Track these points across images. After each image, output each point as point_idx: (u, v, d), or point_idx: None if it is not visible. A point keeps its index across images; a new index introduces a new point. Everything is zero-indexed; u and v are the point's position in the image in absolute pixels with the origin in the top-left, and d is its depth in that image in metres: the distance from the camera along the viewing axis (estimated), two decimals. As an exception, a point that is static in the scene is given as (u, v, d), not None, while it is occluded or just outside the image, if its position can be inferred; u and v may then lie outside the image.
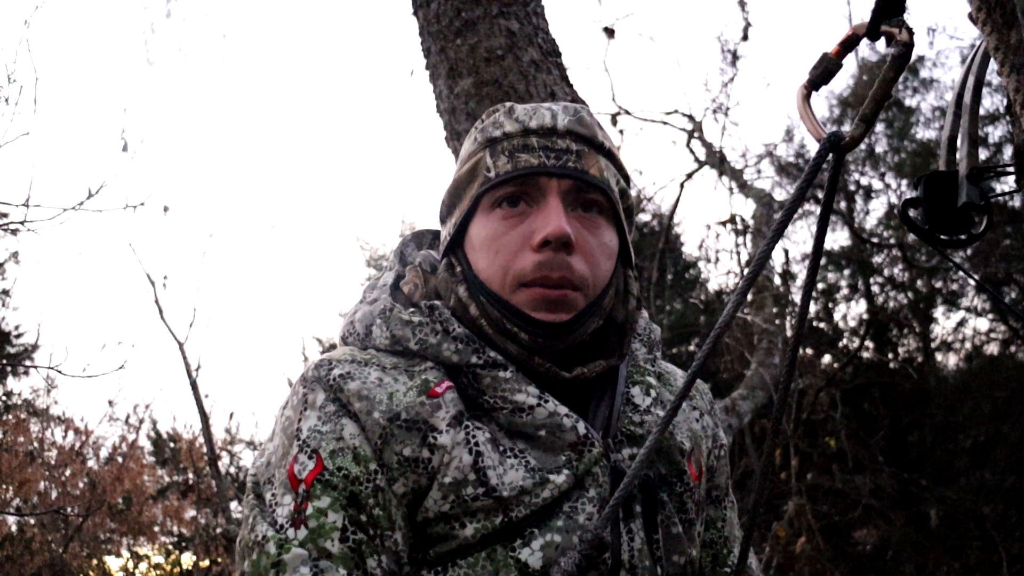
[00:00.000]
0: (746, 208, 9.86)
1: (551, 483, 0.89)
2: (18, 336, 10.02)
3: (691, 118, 8.52)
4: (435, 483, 0.88)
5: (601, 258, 0.96)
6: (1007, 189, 0.99)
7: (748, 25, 8.30)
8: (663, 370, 1.10)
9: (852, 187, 8.95)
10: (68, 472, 8.35)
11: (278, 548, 0.83)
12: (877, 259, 9.10)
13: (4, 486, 7.27)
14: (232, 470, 9.62)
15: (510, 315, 0.93)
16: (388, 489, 0.88)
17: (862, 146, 8.44)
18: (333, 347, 1.07)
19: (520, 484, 0.88)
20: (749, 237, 7.56)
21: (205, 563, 8.15)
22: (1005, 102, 0.90)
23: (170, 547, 9.45)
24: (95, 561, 8.48)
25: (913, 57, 0.78)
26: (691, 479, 1.01)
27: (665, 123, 8.56)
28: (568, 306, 0.93)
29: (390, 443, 0.88)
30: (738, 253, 7.88)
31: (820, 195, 0.98)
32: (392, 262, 1.09)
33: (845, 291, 9.40)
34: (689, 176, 7.95)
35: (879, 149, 8.96)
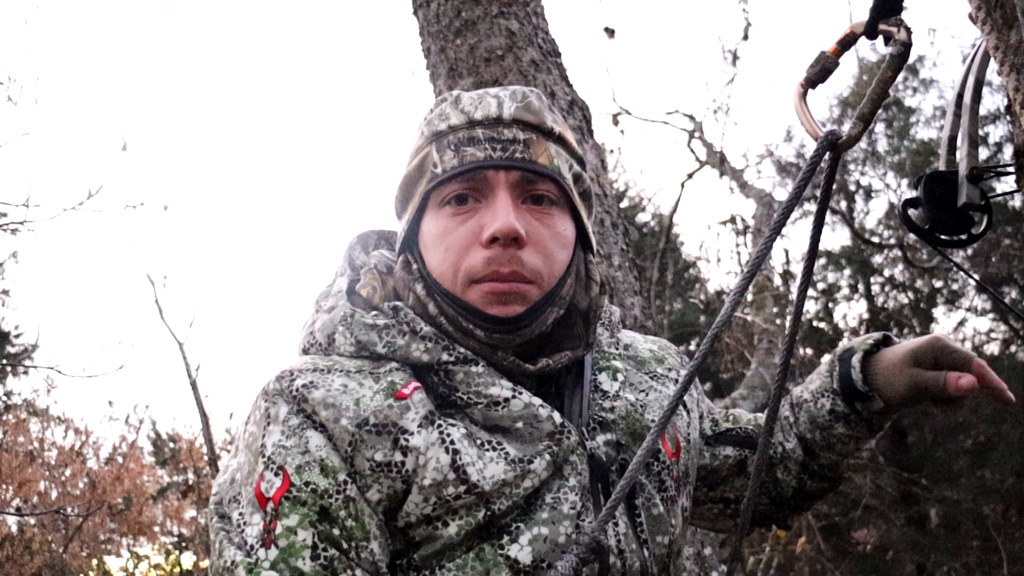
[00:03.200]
0: (746, 208, 9.86)
1: (532, 472, 0.88)
2: (18, 336, 10.02)
3: (691, 118, 8.53)
4: (413, 486, 0.86)
5: (555, 248, 0.95)
6: (1007, 189, 0.98)
7: (748, 25, 8.31)
8: (626, 342, 1.10)
9: (852, 187, 8.95)
10: (68, 472, 8.35)
11: (248, 573, 0.81)
12: (877, 259, 9.10)
13: (4, 486, 7.27)
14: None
15: (464, 312, 0.92)
16: (361, 498, 0.86)
17: (862, 145, 8.44)
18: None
19: (501, 477, 0.87)
20: (749, 237, 7.57)
21: (205, 563, 8.15)
22: (1005, 102, 0.89)
23: (170, 547, 9.46)
24: (95, 561, 8.49)
25: (913, 57, 0.78)
26: (667, 456, 1.01)
27: (666, 123, 8.57)
28: (520, 299, 0.92)
29: (361, 449, 0.86)
30: (738, 253, 7.89)
31: (819, 194, 0.97)
32: (342, 267, 1.06)
33: (845, 291, 9.41)
34: (689, 176, 7.97)
35: (879, 149, 8.97)
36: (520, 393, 0.91)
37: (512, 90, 0.98)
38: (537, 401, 0.92)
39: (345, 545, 0.84)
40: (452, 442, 0.88)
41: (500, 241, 0.90)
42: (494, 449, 0.89)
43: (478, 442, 0.89)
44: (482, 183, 0.93)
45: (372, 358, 0.94)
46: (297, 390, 0.88)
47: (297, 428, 0.87)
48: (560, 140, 0.98)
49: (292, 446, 0.86)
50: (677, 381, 1.08)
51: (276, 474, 0.85)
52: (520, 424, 0.90)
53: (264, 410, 0.90)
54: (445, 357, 0.91)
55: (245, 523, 0.85)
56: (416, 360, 0.92)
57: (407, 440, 0.87)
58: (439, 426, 0.89)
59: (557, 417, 0.92)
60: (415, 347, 0.92)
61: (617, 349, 1.07)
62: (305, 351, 0.99)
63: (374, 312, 0.96)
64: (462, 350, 0.92)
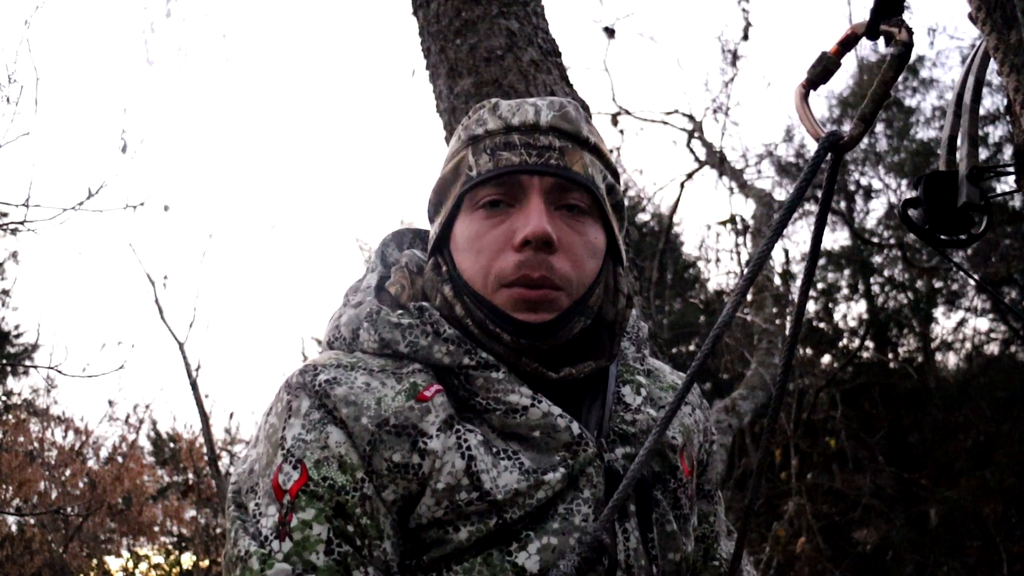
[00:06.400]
0: (746, 208, 9.85)
1: (546, 484, 0.88)
2: (18, 336, 10.03)
3: (691, 118, 8.52)
4: (427, 489, 0.87)
5: (585, 256, 0.95)
6: (1007, 189, 0.98)
7: (748, 25, 8.30)
8: (652, 367, 1.09)
9: (852, 187, 8.95)
10: (68, 472, 8.34)
11: (261, 564, 0.82)
12: (877, 259, 9.11)
13: (4, 486, 7.26)
14: (232, 470, 9.60)
15: (493, 316, 0.92)
16: (376, 497, 0.86)
17: (862, 145, 8.44)
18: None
19: (515, 487, 0.87)
20: (749, 237, 7.56)
21: (205, 563, 8.15)
22: (1005, 102, 0.89)
23: (170, 547, 9.45)
24: (95, 561, 8.48)
25: (913, 57, 0.78)
26: (683, 474, 1.01)
27: (665, 123, 8.55)
28: (550, 306, 0.92)
29: (379, 449, 0.86)
30: (738, 253, 7.88)
31: (820, 194, 0.97)
32: (374, 263, 1.07)
33: (845, 291, 9.40)
34: (689, 176, 7.95)
35: (879, 149, 8.97)
36: (539, 402, 0.91)
37: (550, 100, 0.98)
38: (556, 411, 0.91)
39: (359, 542, 0.84)
40: (469, 448, 0.88)
41: (532, 245, 0.90)
42: (509, 458, 0.89)
43: (494, 450, 0.89)
44: (516, 188, 0.93)
45: (395, 357, 0.94)
46: (320, 385, 0.89)
47: (318, 423, 0.87)
48: (595, 150, 0.98)
49: (312, 440, 0.87)
50: (690, 413, 1.08)
51: (294, 467, 0.86)
52: (537, 433, 0.90)
53: (286, 403, 0.90)
54: (466, 361, 0.91)
55: (261, 514, 0.86)
56: (437, 362, 0.92)
57: (425, 443, 0.87)
58: (457, 431, 0.89)
59: (575, 428, 0.91)
60: (437, 348, 0.92)
61: (642, 365, 1.07)
62: (330, 344, 0.99)
63: (400, 311, 0.96)
64: (484, 355, 0.92)
